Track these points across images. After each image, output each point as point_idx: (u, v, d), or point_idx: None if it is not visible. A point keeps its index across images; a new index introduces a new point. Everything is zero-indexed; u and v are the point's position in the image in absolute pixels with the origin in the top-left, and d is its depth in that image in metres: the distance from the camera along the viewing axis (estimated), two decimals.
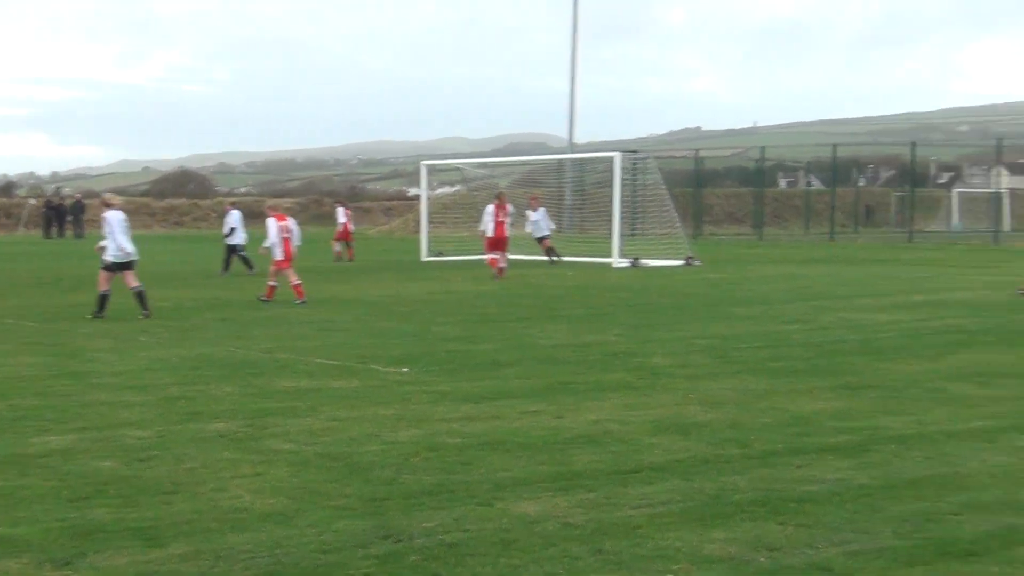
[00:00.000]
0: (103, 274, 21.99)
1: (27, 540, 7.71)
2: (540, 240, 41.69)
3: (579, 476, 9.33)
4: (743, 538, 7.67)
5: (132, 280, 22.00)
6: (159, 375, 14.84)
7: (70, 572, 7.11)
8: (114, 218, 22.05)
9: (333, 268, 38.48)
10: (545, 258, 41.11)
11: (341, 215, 44.28)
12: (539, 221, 41.74)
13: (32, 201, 76.94)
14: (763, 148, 74.81)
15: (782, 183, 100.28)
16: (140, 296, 21.95)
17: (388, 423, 11.56)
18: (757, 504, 8.46)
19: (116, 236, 21.88)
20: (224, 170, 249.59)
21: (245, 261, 35.04)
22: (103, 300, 21.92)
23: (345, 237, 43.47)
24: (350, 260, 42.03)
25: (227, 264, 35.27)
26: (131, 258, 22.10)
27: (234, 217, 35.47)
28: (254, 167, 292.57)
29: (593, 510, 8.33)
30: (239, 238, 35.25)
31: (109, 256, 21.89)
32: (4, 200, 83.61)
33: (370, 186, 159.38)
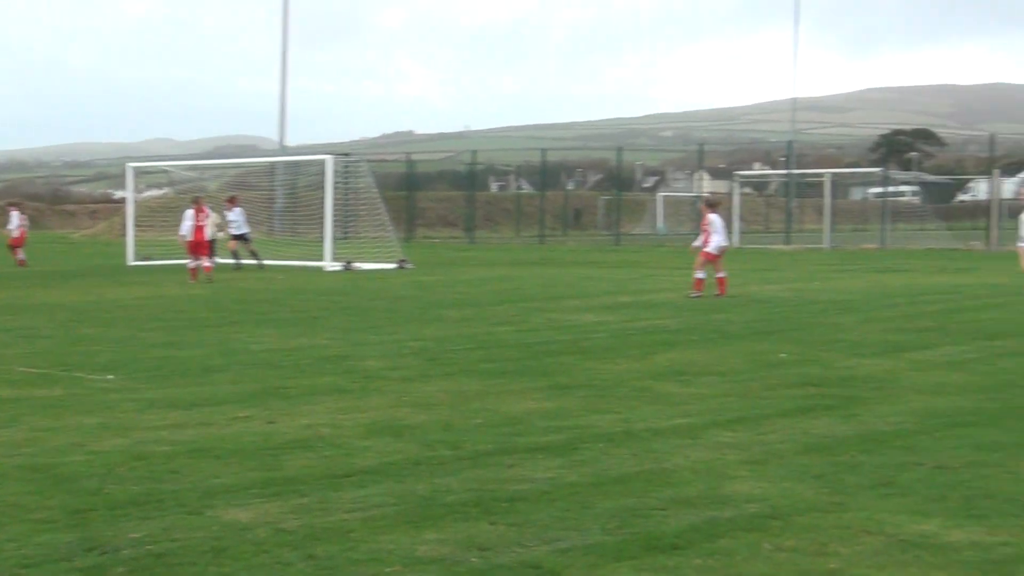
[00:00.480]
0: None
1: None
2: (236, 238, 41.02)
3: (291, 481, 9.24)
4: (455, 538, 7.72)
5: None
6: None
7: None
8: None
9: (23, 274, 37.24)
10: (232, 261, 40.35)
11: (15, 219, 42.44)
12: (235, 221, 41.13)
13: None
14: (474, 152, 75.62)
15: (493, 187, 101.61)
16: None
17: (93, 432, 11.22)
18: (469, 504, 8.53)
19: None
20: None
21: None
22: None
23: (19, 243, 41.78)
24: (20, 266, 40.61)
25: None
26: None
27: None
28: None
29: (306, 515, 8.26)
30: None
31: None
32: None
33: (75, 189, 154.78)
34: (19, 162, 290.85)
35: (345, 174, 47.01)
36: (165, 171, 58.26)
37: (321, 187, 42.02)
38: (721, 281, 27.01)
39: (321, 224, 41.75)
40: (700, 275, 26.83)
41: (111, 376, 14.78)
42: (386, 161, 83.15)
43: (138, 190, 54.43)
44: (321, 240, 41.23)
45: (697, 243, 27.27)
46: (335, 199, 41.77)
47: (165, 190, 63.62)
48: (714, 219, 27.25)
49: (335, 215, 41.78)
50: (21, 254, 41.46)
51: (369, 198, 44.84)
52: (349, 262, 39.65)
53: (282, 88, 68.30)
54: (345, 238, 45.54)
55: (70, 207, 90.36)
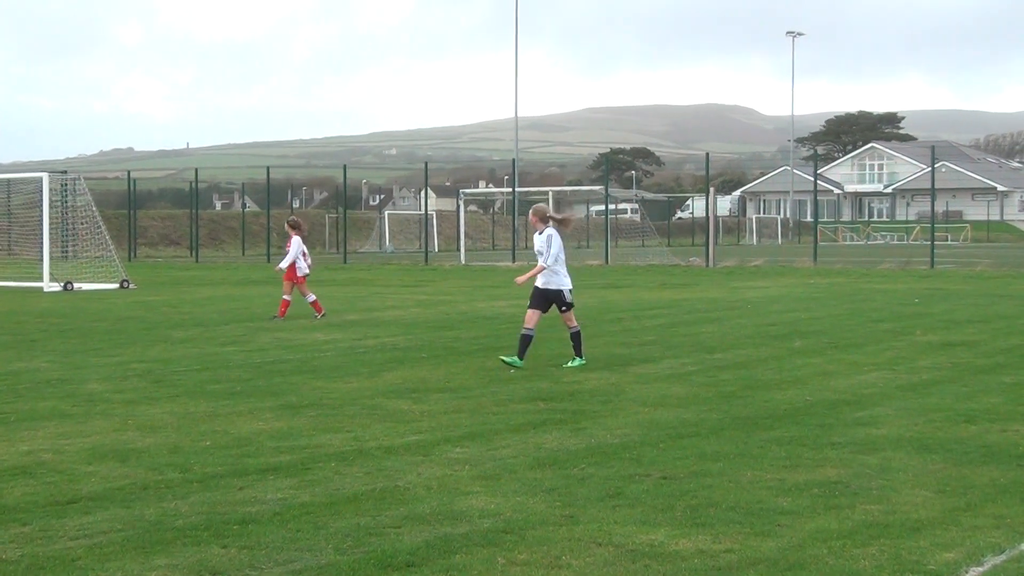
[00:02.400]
0: None
1: None
2: None
3: (12, 510, 8.92)
4: (186, 563, 7.56)
5: None
6: None
7: None
8: None
9: None
10: None
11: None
12: None
13: None
14: (197, 170, 74.47)
15: (217, 204, 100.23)
16: None
17: None
18: (200, 528, 8.38)
19: None
20: None
21: None
22: None
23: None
24: None
25: None
26: None
27: None
28: None
29: (28, 544, 7.98)
30: None
31: None
32: None
33: None
34: None
35: (63, 192, 45.66)
36: None
37: (38, 205, 40.75)
38: (315, 304, 26.05)
39: (39, 243, 40.46)
40: (288, 299, 26.12)
41: None
42: (106, 179, 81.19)
43: None
44: (39, 260, 39.96)
45: (283, 264, 26.32)
46: (52, 218, 40.55)
47: None
48: (296, 241, 26.35)
49: (53, 234, 40.55)
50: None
51: (89, 216, 43.65)
52: (69, 282, 38.53)
53: None
54: (65, 258, 44.18)
55: None
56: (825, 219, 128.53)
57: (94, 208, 43.86)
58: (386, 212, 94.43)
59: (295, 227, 26.61)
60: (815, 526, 8.37)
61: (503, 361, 17.14)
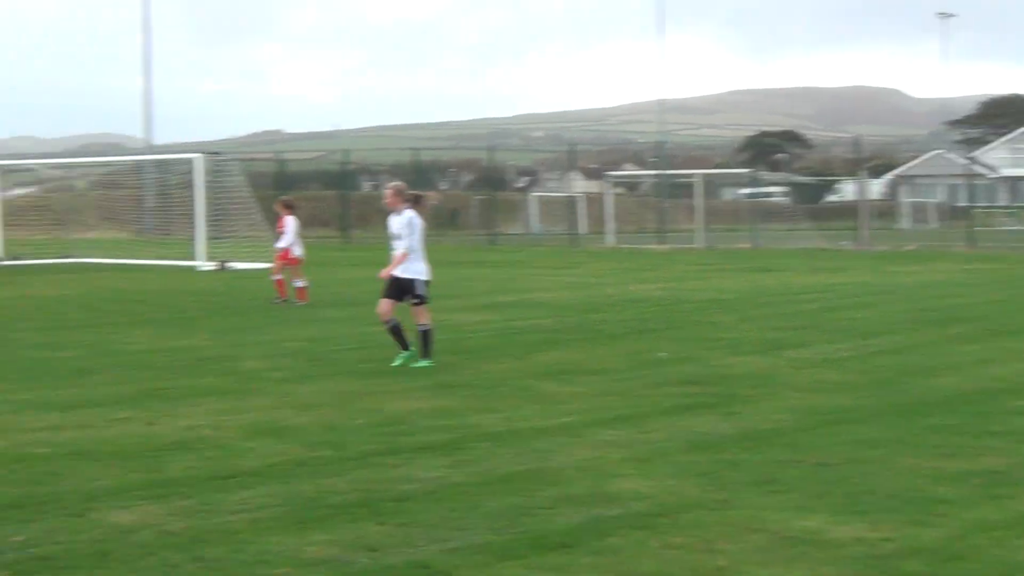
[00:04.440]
0: None
1: None
2: None
3: (174, 483, 9.13)
4: (343, 539, 7.68)
5: None
6: None
7: None
8: None
9: None
10: None
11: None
12: None
13: None
14: (347, 151, 75.28)
15: (366, 186, 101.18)
16: None
17: None
18: (356, 505, 8.49)
19: None
20: None
21: None
22: None
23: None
24: None
25: None
26: None
27: None
28: None
29: (190, 517, 8.17)
30: None
31: None
32: None
33: None
34: None
35: (216, 172, 46.47)
36: (31, 169, 57.17)
37: (191, 186, 41.54)
38: (280, 284, 25.55)
39: (193, 223, 41.24)
40: (279, 278, 25.60)
41: None
42: (256, 160, 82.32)
43: (5, 188, 53.35)
44: (193, 240, 40.75)
45: (280, 244, 25.63)
46: (206, 198, 41.29)
47: (32, 188, 62.43)
48: (289, 221, 25.98)
49: (207, 214, 41.30)
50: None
51: (241, 197, 44.36)
52: (224, 262, 39.24)
53: (147, 85, 67.62)
54: (219, 238, 45.00)
55: None
56: (980, 203, 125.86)
57: (246, 189, 44.58)
58: (534, 194, 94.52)
59: (290, 207, 26.33)
60: (975, 516, 8.22)
61: (397, 365, 15.52)
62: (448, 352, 16.97)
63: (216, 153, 49.11)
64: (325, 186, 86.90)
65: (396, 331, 15.67)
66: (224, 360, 16.17)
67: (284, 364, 15.69)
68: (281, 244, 25.65)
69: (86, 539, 7.65)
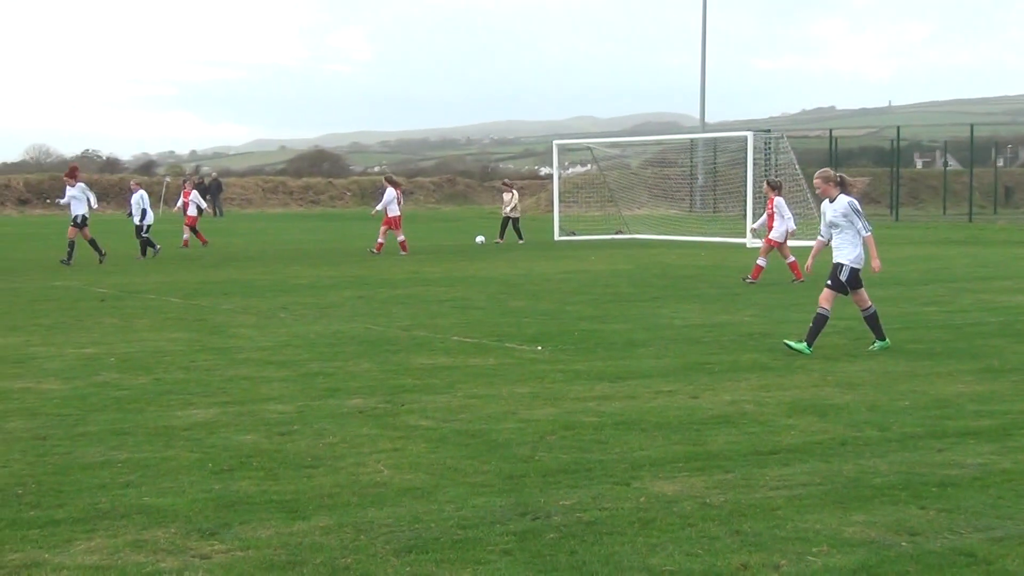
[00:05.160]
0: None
1: (174, 510, 7.90)
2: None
3: (716, 457, 9.32)
4: (883, 522, 7.60)
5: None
6: (299, 351, 15.08)
7: (216, 542, 7.26)
8: None
9: (460, 247, 38.68)
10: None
11: (391, 197, 35.48)
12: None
13: (168, 179, 78.13)
14: (899, 127, 73.67)
15: (918, 163, 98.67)
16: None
17: (524, 401, 11.63)
18: (897, 487, 8.38)
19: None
20: (358, 149, 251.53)
21: (149, 243, 33.91)
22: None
23: (394, 224, 35.46)
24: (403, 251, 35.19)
25: (144, 248, 34.01)
26: None
27: (142, 198, 34.12)
28: (388, 146, 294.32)
29: (731, 491, 8.31)
30: (148, 218, 34.03)
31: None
32: (145, 178, 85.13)
33: (502, 165, 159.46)
34: (451, 140, 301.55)
35: (766, 150, 46.64)
36: (589, 148, 59.24)
37: (741, 163, 41.88)
38: (793, 266, 25.34)
39: (740, 201, 41.60)
40: (762, 262, 25.18)
41: (540, 347, 15.24)
42: (807, 137, 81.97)
43: (563, 167, 55.63)
44: (741, 217, 41.10)
45: (755, 225, 24.91)
46: (755, 176, 41.52)
47: (588, 167, 64.68)
48: (780, 203, 25.60)
49: (756, 192, 41.52)
50: (403, 236, 35.97)
51: (791, 175, 44.35)
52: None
53: (702, 64, 68.48)
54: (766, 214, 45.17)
55: (498, 183, 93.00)
56: None
57: (796, 166, 44.50)
58: None
59: (777, 188, 26.30)
60: None
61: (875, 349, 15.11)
62: (996, 335, 16.39)
63: (767, 131, 49.29)
64: (875, 163, 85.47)
65: (872, 319, 15.23)
66: (767, 336, 16.27)
67: (828, 342, 15.54)
68: (774, 235, 25.72)
69: (630, 507, 7.94)
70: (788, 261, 25.73)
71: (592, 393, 12.05)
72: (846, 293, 15.14)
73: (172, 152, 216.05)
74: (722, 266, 30.08)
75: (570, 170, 69.66)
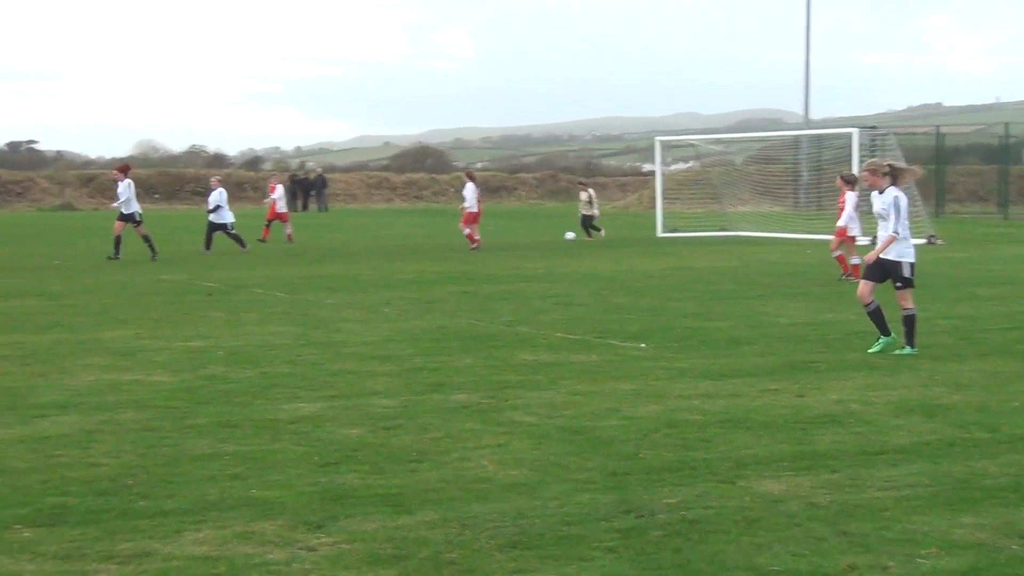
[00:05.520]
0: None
1: (281, 503, 8.00)
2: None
3: (822, 456, 9.24)
4: (993, 524, 7.50)
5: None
6: (403, 346, 15.18)
7: (322, 535, 7.34)
8: None
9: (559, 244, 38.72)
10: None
11: (471, 192, 35.93)
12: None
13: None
14: (1007, 124, 72.50)
15: None
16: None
17: (627, 398, 11.61)
18: (1008, 490, 8.26)
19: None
20: (460, 145, 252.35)
21: (238, 240, 34.23)
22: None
23: (473, 220, 35.70)
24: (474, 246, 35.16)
25: (209, 242, 34.35)
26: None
27: (220, 195, 34.43)
28: (490, 142, 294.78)
29: (837, 491, 8.24)
30: (226, 217, 34.34)
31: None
32: (251, 174, 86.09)
33: (605, 162, 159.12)
34: (553, 136, 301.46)
35: (871, 148, 46.10)
36: (692, 145, 58.99)
37: (846, 161, 41.42)
38: (841, 259, 25.14)
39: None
40: (839, 253, 25.04)
41: (643, 344, 15.21)
42: (914, 134, 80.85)
43: (666, 163, 55.40)
44: None
45: (839, 223, 24.39)
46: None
47: (691, 163, 64.41)
48: (849, 197, 24.95)
49: (861, 190, 41.09)
50: (474, 232, 35.78)
51: None
52: (932, 237, 38.87)
53: (806, 59, 67.82)
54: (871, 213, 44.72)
55: (601, 179, 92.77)
56: None
57: (903, 163, 44.00)
58: None
59: (850, 182, 25.25)
60: None
61: (875, 352, 14.70)
62: None
63: (873, 127, 48.72)
64: (983, 160, 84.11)
65: (876, 315, 14.84)
66: (873, 336, 16.05)
67: (935, 342, 15.35)
68: (840, 222, 25.17)
69: (735, 505, 7.90)
70: (835, 254, 25.58)
71: (696, 391, 12.01)
72: (913, 286, 14.81)
73: (277, 148, 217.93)
74: (827, 264, 29.75)
75: (672, 167, 69.39)
